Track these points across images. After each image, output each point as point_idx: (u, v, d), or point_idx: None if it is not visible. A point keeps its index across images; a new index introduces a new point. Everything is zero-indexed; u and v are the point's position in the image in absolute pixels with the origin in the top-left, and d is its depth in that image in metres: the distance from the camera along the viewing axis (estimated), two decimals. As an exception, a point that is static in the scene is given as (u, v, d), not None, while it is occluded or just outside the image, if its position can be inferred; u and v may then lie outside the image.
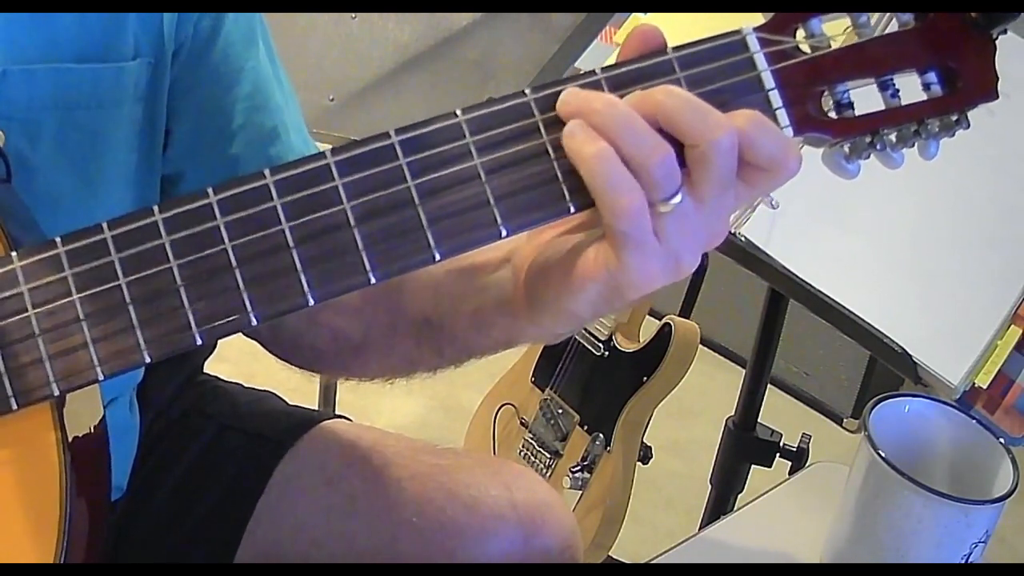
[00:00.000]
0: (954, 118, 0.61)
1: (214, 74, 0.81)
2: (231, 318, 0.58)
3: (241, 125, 0.82)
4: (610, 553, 1.67)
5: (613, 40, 1.25)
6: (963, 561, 0.87)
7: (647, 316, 1.68)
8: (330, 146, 0.59)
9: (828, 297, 1.05)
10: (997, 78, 0.60)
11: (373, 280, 0.58)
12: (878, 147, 0.61)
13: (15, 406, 0.59)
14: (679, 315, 1.65)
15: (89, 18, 0.74)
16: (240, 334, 0.84)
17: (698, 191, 0.58)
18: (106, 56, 0.75)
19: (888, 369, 1.07)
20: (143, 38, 0.76)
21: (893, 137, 0.61)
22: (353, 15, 1.57)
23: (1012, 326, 0.99)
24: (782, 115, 0.59)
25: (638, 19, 1.24)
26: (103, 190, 0.78)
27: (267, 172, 0.58)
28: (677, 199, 0.57)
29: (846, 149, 0.61)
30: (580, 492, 1.64)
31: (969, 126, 0.61)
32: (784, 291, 1.19)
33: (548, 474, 1.69)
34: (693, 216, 0.58)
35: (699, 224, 0.59)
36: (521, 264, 0.67)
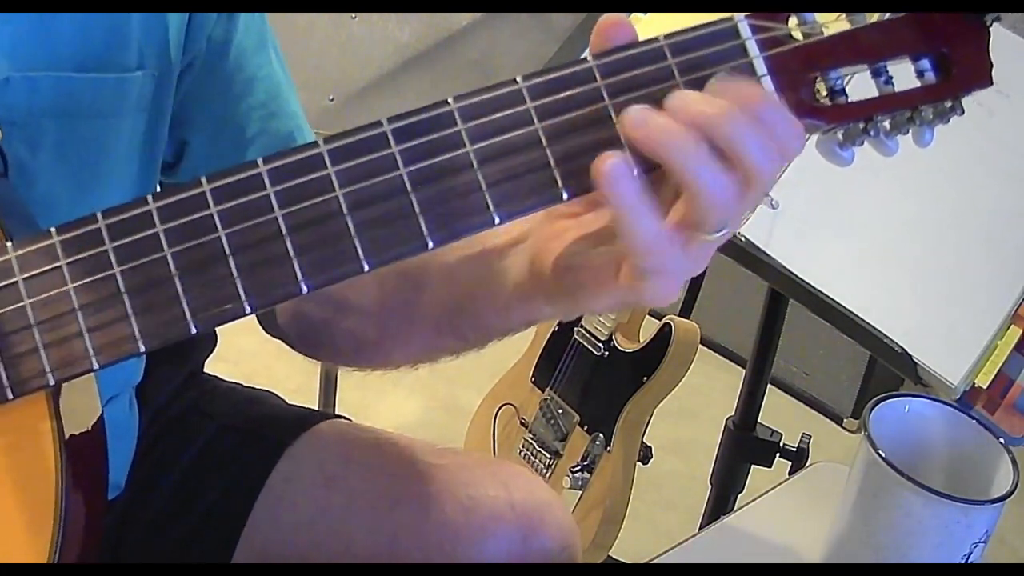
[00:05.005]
0: (948, 105, 0.61)
1: (228, 83, 0.81)
2: (225, 306, 0.58)
3: (257, 133, 0.83)
4: (610, 553, 1.67)
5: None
6: (963, 561, 0.87)
7: (647, 316, 1.68)
8: (329, 146, 0.59)
9: (828, 297, 1.04)
10: (991, 64, 0.60)
11: (367, 268, 0.58)
12: (871, 133, 0.61)
13: (11, 396, 0.59)
14: (679, 315, 1.64)
15: (91, 27, 0.74)
16: (267, 333, 0.86)
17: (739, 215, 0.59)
18: (108, 66, 0.75)
19: (888, 369, 1.07)
20: (147, 50, 0.76)
21: (887, 124, 0.61)
22: (353, 15, 1.57)
23: (1012, 326, 0.98)
24: None
25: (639, 19, 1.24)
26: (101, 199, 0.78)
27: (260, 161, 0.58)
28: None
29: (840, 136, 0.61)
30: (580, 492, 1.64)
31: (963, 113, 0.61)
32: (784, 291, 1.19)
33: (548, 474, 1.69)
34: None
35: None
36: (540, 254, 0.67)
